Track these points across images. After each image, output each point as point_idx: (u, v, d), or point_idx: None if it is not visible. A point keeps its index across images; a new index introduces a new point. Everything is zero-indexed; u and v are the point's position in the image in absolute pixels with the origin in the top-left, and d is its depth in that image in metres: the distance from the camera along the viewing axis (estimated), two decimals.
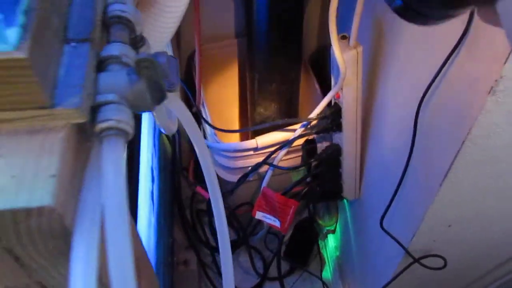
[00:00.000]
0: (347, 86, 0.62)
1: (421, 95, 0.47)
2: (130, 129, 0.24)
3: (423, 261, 0.57)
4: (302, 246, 0.98)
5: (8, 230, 0.21)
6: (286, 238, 0.96)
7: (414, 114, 0.49)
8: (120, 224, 0.22)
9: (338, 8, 0.57)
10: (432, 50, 0.47)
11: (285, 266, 0.99)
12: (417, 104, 0.48)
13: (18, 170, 0.20)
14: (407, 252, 0.56)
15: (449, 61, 0.42)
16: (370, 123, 0.66)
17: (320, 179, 0.78)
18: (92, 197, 0.22)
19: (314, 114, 0.68)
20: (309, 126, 0.71)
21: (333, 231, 0.98)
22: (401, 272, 0.60)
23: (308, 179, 0.80)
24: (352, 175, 0.72)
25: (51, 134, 0.22)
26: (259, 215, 0.73)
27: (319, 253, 1.00)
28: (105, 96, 0.24)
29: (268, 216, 0.73)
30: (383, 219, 0.57)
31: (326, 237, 1.00)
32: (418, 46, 0.50)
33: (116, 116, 0.23)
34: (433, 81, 0.45)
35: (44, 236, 0.22)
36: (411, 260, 0.58)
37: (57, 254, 0.23)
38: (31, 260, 0.23)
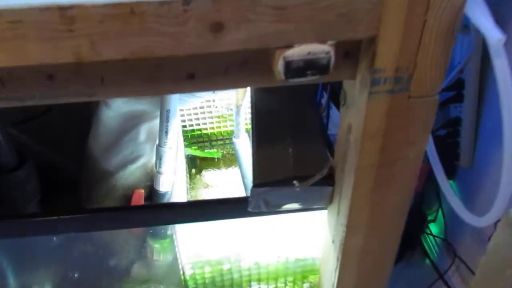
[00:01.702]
0: (471, 62, 0.83)
1: None
2: None
3: None
4: (410, 233, 1.11)
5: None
6: None
7: None
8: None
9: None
10: None
11: None
12: None
13: None
14: None
15: None
16: (485, 91, 0.86)
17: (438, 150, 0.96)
18: None
19: (442, 86, 0.88)
20: None
21: (434, 220, 1.13)
22: None
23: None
24: (471, 142, 0.91)
25: None
26: None
27: (421, 243, 1.14)
28: None
29: None
30: None
31: (427, 227, 1.14)
32: None
33: None
34: None
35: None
36: None
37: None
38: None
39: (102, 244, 0.87)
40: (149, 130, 0.81)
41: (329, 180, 0.60)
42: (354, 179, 0.52)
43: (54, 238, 0.89)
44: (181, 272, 0.74)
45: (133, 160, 0.81)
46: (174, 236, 0.71)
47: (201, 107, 1.01)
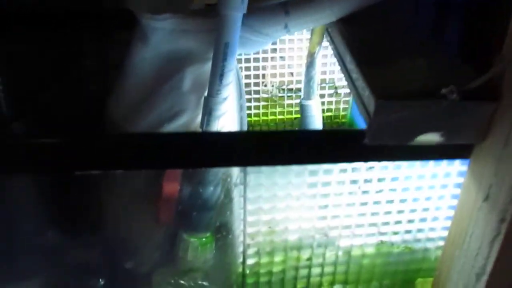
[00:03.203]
0: None
1: None
2: None
3: None
4: None
5: None
6: None
7: None
8: None
9: None
10: None
11: None
12: None
13: None
14: None
15: None
16: None
17: None
18: None
19: None
20: None
21: None
22: None
23: None
24: None
25: None
26: None
27: None
28: None
29: None
30: None
31: None
32: None
33: None
34: None
35: None
36: None
37: None
38: None
39: (115, 236, 0.64)
40: (197, 77, 0.61)
41: (493, 91, 0.41)
42: None
43: (49, 233, 0.66)
44: (241, 260, 0.51)
45: (172, 117, 0.60)
46: (243, 192, 0.48)
47: (246, 85, 0.82)
